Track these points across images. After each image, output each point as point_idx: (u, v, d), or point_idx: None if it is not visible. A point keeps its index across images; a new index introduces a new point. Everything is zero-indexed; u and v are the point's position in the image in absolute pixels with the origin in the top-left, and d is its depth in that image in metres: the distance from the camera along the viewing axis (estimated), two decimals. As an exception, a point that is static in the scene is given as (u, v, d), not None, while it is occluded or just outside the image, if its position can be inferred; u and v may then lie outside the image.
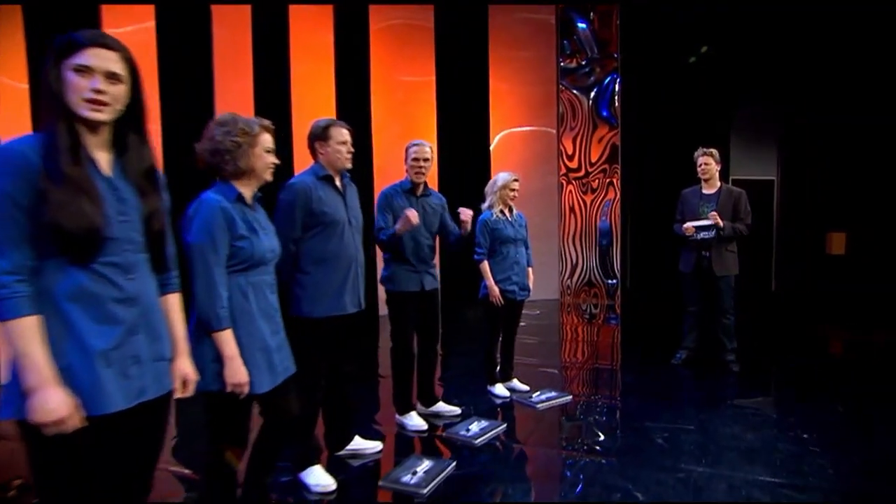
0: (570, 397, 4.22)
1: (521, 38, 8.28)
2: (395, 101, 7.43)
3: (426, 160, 3.56)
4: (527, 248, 4.39)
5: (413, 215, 3.25)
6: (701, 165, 4.80)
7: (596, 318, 7.68)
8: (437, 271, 3.75)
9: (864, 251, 8.76)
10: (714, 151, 4.82)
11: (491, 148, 8.29)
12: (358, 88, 7.07)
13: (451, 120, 7.93)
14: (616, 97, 8.19)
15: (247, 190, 2.26)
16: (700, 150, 4.84)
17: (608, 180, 8.29)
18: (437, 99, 7.78)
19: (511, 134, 8.37)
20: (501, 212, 4.22)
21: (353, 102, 7.01)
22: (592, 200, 8.38)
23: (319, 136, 2.90)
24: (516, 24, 8.26)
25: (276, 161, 2.32)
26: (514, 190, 4.22)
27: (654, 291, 8.69)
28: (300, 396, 2.41)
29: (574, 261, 8.51)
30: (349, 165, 2.92)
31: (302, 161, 3.14)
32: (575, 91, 8.33)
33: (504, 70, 8.27)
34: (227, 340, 2.06)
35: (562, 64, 8.35)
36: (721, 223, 4.63)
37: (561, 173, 8.46)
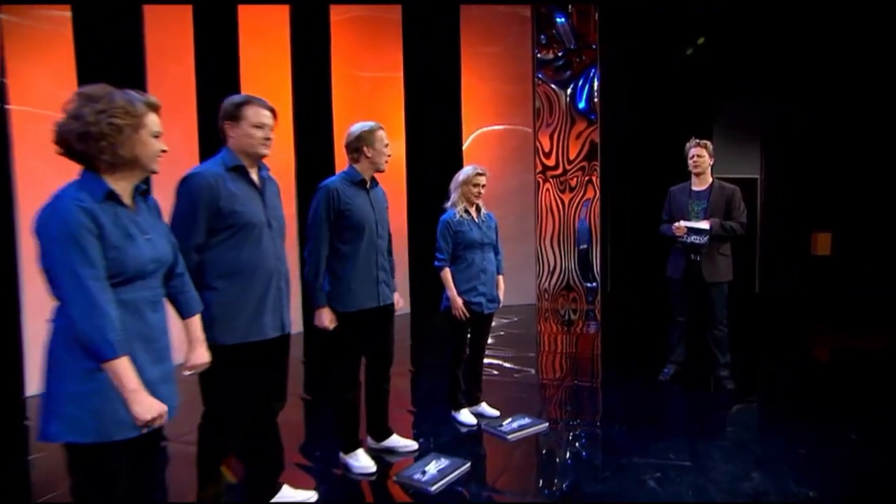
0: (546, 425, 3.70)
1: (494, 31, 7.76)
2: (359, 96, 6.85)
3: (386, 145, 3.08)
4: (497, 253, 3.85)
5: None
6: (693, 158, 4.32)
7: (575, 323, 7.22)
8: (396, 278, 3.19)
9: (851, 252, 8.47)
10: (708, 143, 4.35)
11: (464, 147, 7.74)
12: (317, 82, 6.49)
13: (421, 117, 7.39)
14: (595, 91, 7.72)
15: (124, 184, 1.78)
16: (692, 142, 4.36)
17: (587, 178, 7.81)
18: (406, 95, 7.25)
19: (485, 130, 7.83)
20: (466, 211, 3.69)
21: (312, 97, 6.43)
22: (571, 199, 7.89)
23: (231, 114, 2.35)
24: (490, 15, 7.74)
25: (165, 148, 1.85)
26: (478, 185, 3.68)
27: (636, 295, 8.25)
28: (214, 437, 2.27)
29: (552, 263, 8.01)
30: (265, 152, 2.38)
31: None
32: (552, 85, 7.83)
33: (477, 64, 7.74)
34: (124, 370, 1.68)
35: (538, 55, 7.84)
36: (711, 224, 4.16)
37: (537, 171, 7.95)
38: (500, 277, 3.85)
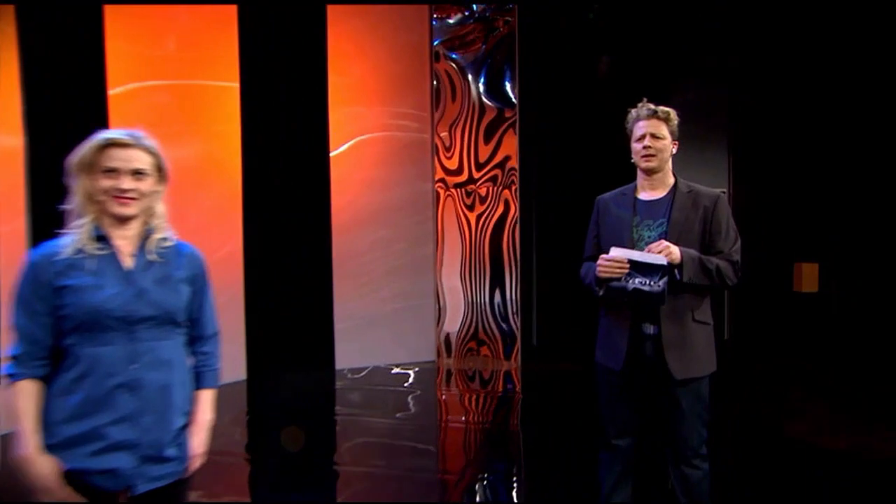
0: None
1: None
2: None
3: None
4: (200, 338, 1.76)
5: None
6: (643, 140, 2.23)
7: (488, 386, 5.11)
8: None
9: (843, 288, 6.76)
10: (671, 113, 2.26)
11: (333, 154, 5.57)
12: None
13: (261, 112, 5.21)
14: (514, 70, 5.68)
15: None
16: (643, 107, 2.27)
17: (501, 188, 5.73)
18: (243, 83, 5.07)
19: (363, 122, 5.68)
20: (100, 238, 1.55)
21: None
22: (481, 215, 5.80)
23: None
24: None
25: None
26: (116, 174, 1.56)
27: (571, 351, 6.17)
28: None
29: (457, 303, 5.87)
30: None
31: None
32: (455, 57, 5.76)
33: (349, 30, 5.59)
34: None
35: (435, 18, 5.76)
36: (677, 258, 2.11)
37: (437, 178, 5.84)
38: (205, 395, 1.70)
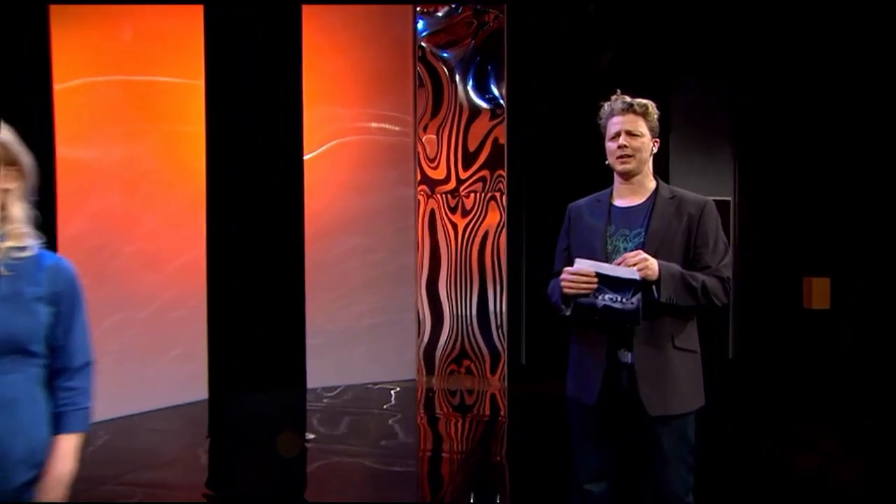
0: None
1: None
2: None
3: None
4: (63, 367, 1.47)
5: None
6: (618, 138, 1.96)
7: (473, 409, 4.72)
8: None
9: (857, 304, 6.37)
10: (649, 106, 1.98)
11: (308, 157, 5.22)
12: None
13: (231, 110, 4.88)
14: (502, 69, 5.32)
15: None
16: (617, 100, 1.98)
17: (489, 195, 5.36)
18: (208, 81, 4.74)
19: (341, 123, 5.33)
20: None
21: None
22: (467, 224, 5.42)
23: None
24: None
25: None
26: None
27: (560, 369, 5.74)
28: None
29: (440, 318, 5.47)
30: None
31: None
32: (442, 55, 5.42)
33: (326, 28, 5.25)
34: None
35: (420, 14, 5.42)
36: (654, 272, 1.81)
37: (419, 183, 5.48)
38: (65, 441, 1.41)
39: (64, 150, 3.99)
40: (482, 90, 5.37)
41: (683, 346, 1.89)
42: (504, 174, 5.28)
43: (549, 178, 5.77)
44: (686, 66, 6.16)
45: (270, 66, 5.02)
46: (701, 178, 6.40)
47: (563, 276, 1.86)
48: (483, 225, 5.35)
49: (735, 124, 6.54)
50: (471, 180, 5.37)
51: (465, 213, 5.38)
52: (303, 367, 5.15)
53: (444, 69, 5.42)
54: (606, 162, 2.00)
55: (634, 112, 1.93)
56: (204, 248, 4.77)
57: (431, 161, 5.43)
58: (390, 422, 4.52)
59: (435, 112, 5.41)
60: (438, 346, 5.46)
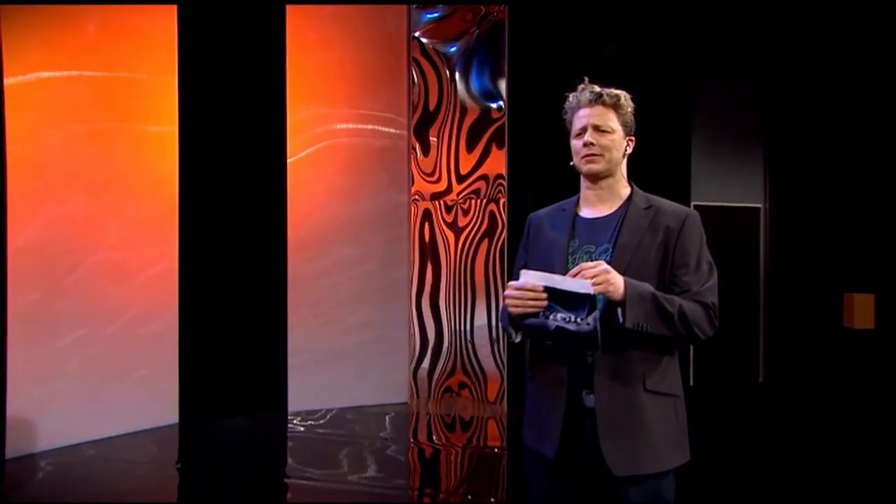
0: None
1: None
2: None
3: None
4: None
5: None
6: (584, 134, 1.68)
7: (470, 437, 4.30)
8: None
9: None
10: (621, 97, 1.69)
11: (292, 159, 4.87)
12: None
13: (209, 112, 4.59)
14: (503, 63, 4.90)
15: None
16: (584, 90, 1.70)
17: (486, 202, 4.93)
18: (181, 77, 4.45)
19: (328, 124, 4.99)
20: None
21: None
22: (465, 234, 5.01)
23: None
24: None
25: None
26: None
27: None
28: None
29: (434, 335, 5.05)
30: None
31: None
32: (437, 49, 5.03)
33: (312, 22, 4.91)
34: None
35: (415, 6, 5.06)
36: (619, 291, 1.51)
37: (412, 189, 5.08)
38: None
39: (15, 150, 3.69)
40: (482, 88, 4.96)
41: (658, 388, 1.58)
42: (504, 178, 4.86)
43: (552, 182, 5.31)
44: (709, 62, 5.71)
45: (251, 61, 4.69)
46: (727, 183, 5.98)
47: (507, 291, 1.58)
48: (481, 233, 4.91)
49: (766, 123, 6.09)
50: (468, 185, 4.95)
51: (461, 221, 4.96)
52: (283, 389, 4.79)
53: (442, 64, 5.02)
54: (571, 163, 1.72)
55: (604, 104, 1.65)
56: (175, 259, 4.46)
57: (425, 165, 5.02)
58: (377, 452, 4.14)
59: (430, 111, 5.02)
60: (432, 367, 5.03)
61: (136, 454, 4.02)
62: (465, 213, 4.96)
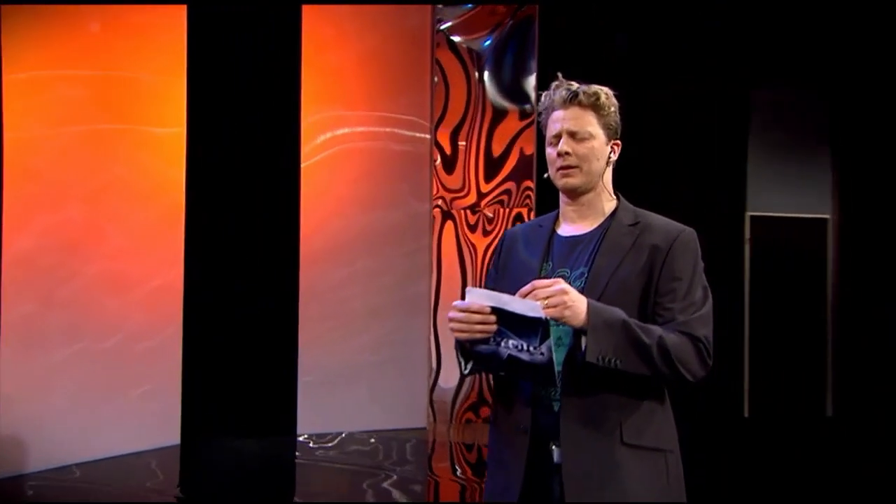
0: None
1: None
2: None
3: None
4: None
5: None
6: (560, 143, 1.42)
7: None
8: None
9: None
10: (601, 93, 1.42)
11: (305, 164, 4.70)
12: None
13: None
14: (532, 63, 4.62)
15: None
16: (559, 88, 1.43)
17: (514, 211, 4.62)
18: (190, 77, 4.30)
19: (344, 127, 4.79)
20: None
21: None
22: (488, 245, 4.71)
23: None
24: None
25: None
26: None
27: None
28: None
29: (455, 355, 4.68)
30: None
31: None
32: (465, 47, 4.74)
33: (330, 18, 4.71)
34: None
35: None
36: (581, 316, 1.26)
37: (435, 196, 4.80)
38: None
39: (9, 154, 3.57)
40: (510, 88, 4.67)
41: (639, 441, 1.35)
42: (532, 186, 4.52)
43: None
44: (769, 59, 5.27)
45: (263, 60, 4.53)
46: (789, 192, 5.55)
47: (451, 313, 1.36)
48: (508, 246, 4.57)
49: (834, 125, 5.61)
50: (494, 193, 4.65)
51: (486, 232, 4.65)
52: (293, 410, 4.58)
53: (470, 62, 4.74)
54: (545, 175, 1.51)
55: (580, 104, 1.42)
56: (178, 270, 4.28)
57: (449, 171, 4.74)
58: (390, 482, 3.88)
59: (454, 114, 4.75)
60: (454, 390, 4.70)
61: (134, 477, 3.87)
62: (490, 221, 4.63)
